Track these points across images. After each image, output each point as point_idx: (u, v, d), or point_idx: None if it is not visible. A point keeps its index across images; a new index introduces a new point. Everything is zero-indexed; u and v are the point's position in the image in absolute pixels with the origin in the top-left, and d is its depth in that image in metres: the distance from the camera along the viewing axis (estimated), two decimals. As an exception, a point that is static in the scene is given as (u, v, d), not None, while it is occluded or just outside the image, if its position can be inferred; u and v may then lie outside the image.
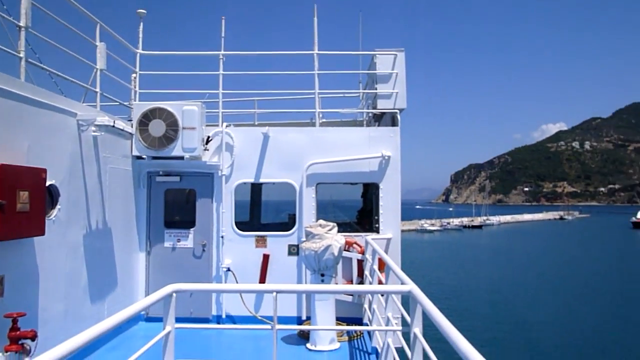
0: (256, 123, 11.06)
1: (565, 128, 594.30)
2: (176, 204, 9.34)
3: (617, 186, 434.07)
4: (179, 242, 9.04)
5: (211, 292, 8.60)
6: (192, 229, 9.07)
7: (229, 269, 8.87)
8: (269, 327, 4.60)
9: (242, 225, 9.17)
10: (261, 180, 9.13)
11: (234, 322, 8.83)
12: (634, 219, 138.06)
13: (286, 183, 9.10)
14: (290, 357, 6.83)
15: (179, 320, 4.36)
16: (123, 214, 8.33)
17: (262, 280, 8.87)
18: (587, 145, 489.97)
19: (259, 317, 8.67)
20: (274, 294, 4.43)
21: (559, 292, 44.66)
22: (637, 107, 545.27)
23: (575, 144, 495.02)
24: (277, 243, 9.02)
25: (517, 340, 29.72)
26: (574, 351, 27.93)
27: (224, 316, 8.89)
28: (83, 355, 6.51)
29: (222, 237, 8.94)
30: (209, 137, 8.88)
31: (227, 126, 9.11)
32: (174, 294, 4.21)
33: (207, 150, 8.87)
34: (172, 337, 4.17)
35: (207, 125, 8.91)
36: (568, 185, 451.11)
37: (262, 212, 10.06)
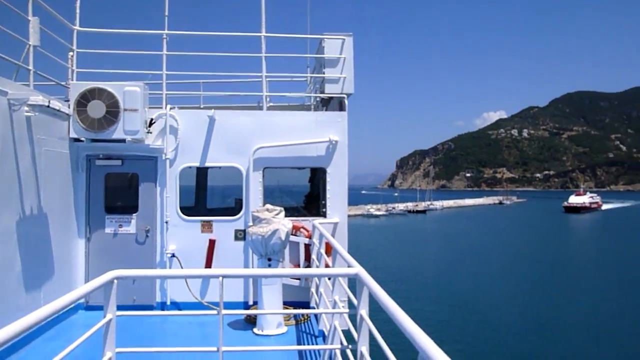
0: (202, 106, 10.80)
1: (505, 116, 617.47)
2: (118, 188, 9.02)
3: (551, 172, 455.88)
4: (120, 227, 8.75)
5: (155, 278, 8.36)
6: (134, 214, 8.79)
7: (173, 255, 8.68)
8: (215, 312, 4.53)
9: (187, 210, 8.98)
10: (207, 165, 8.94)
11: (179, 309, 8.67)
12: (565, 203, 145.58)
13: (233, 167, 8.96)
14: (237, 342, 6.77)
15: (121, 308, 4.22)
16: (60, 199, 7.96)
17: (208, 265, 8.73)
18: (525, 133, 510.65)
19: (205, 303, 8.55)
20: (220, 278, 4.36)
21: (498, 273, 46.68)
22: (571, 98, 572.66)
23: (514, 132, 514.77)
24: (224, 228, 8.90)
25: (460, 320, 30.88)
26: (513, 327, 29.31)
27: (168, 303, 8.71)
28: (19, 346, 6.23)
29: (166, 222, 8.72)
30: (152, 119, 8.58)
31: (171, 108, 8.83)
32: (115, 281, 4.07)
33: (150, 133, 8.58)
34: (113, 326, 4.03)
35: (150, 108, 8.61)
36: (507, 171, 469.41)
37: (208, 196, 9.88)
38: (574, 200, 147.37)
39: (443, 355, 2.23)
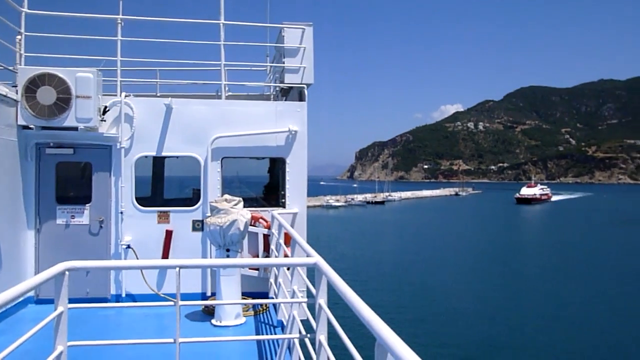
0: (158, 94, 10.54)
1: (461, 109, 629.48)
2: (70, 178, 8.73)
3: (505, 164, 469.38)
4: (73, 218, 8.48)
5: (109, 269, 8.12)
6: (87, 205, 8.53)
7: (129, 246, 8.48)
8: (171, 304, 4.46)
9: (143, 200, 8.78)
10: (164, 154, 8.75)
11: (135, 301, 8.50)
12: (517, 195, 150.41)
13: (190, 157, 8.80)
14: (195, 333, 6.70)
15: (73, 301, 4.09)
16: (7, 188, 7.64)
17: (165, 257, 8.58)
18: (480, 126, 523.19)
19: (162, 295, 8.41)
20: (177, 269, 4.28)
21: (453, 263, 47.91)
22: (525, 92, 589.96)
23: (471, 125, 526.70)
24: (181, 219, 8.75)
25: (417, 308, 31.57)
26: (468, 314, 30.17)
27: (123, 295, 8.52)
28: None
29: (121, 213, 8.50)
30: (106, 107, 8.32)
31: (126, 96, 8.58)
32: (67, 273, 3.94)
33: (104, 121, 8.33)
34: (64, 319, 3.91)
35: (104, 95, 8.35)
36: (463, 163, 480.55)
37: (165, 187, 9.69)
38: (525, 192, 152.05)
39: (400, 341, 2.26)
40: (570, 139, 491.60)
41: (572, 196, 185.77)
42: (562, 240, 64.86)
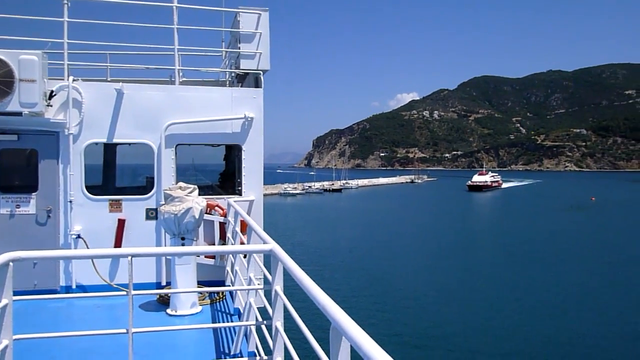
0: (109, 79, 10.20)
1: (417, 98, 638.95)
2: (14, 166, 8.37)
3: (459, 152, 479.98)
4: (18, 208, 8.13)
5: (57, 259, 7.83)
6: (34, 194, 8.20)
7: (79, 236, 8.21)
8: (124, 294, 4.35)
9: (94, 189, 8.51)
10: (115, 141, 8.49)
11: (86, 292, 8.26)
12: (469, 182, 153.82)
13: (143, 144, 8.57)
14: (150, 323, 6.57)
15: (20, 293, 3.93)
16: None
17: (118, 246, 8.36)
18: (435, 115, 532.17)
19: (114, 285, 8.21)
20: (129, 258, 4.16)
21: (408, 249, 48.89)
22: (478, 82, 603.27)
23: (426, 113, 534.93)
24: (134, 207, 8.54)
25: (373, 293, 32.08)
26: (421, 298, 30.89)
27: (74, 286, 8.27)
28: None
29: (70, 201, 8.21)
30: (52, 91, 7.99)
31: (74, 80, 8.25)
32: (11, 264, 3.77)
33: (51, 106, 7.99)
34: (9, 311, 3.75)
35: (50, 79, 8.00)
36: (419, 151, 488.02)
37: (117, 175, 9.43)
38: (477, 179, 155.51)
39: (354, 325, 2.28)
40: (521, 128, 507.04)
41: (523, 183, 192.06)
42: (511, 226, 67.17)
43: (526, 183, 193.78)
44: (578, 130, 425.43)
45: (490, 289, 33.55)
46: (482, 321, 26.72)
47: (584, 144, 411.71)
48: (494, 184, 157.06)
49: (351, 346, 2.29)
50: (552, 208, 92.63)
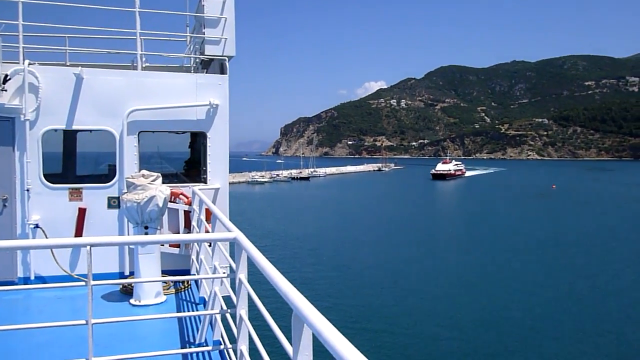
0: (68, 63, 9.85)
1: (385, 86, 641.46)
2: None
3: (426, 141, 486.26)
4: None
5: (14, 249, 7.57)
6: None
7: (37, 226, 7.97)
8: (83, 284, 4.23)
9: (52, 177, 8.25)
10: (74, 127, 8.23)
11: (46, 284, 8.03)
12: (433, 171, 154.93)
13: (105, 131, 8.35)
14: (112, 314, 6.44)
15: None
16: None
17: (79, 236, 8.15)
18: (403, 103, 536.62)
19: (75, 276, 8.01)
20: (88, 248, 4.05)
21: (372, 236, 49.47)
22: (445, 71, 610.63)
23: (393, 102, 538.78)
24: (95, 196, 8.32)
25: (337, 280, 32.37)
26: (384, 284, 31.32)
27: (32, 277, 8.03)
28: None
29: (27, 190, 7.94)
30: (6, 75, 7.67)
31: (30, 64, 7.94)
32: (-38, 254, 3.63)
33: (5, 90, 7.68)
34: (-38, 303, 3.61)
35: (3, 62, 7.68)
36: (386, 139, 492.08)
37: (77, 163, 9.16)
38: (440, 167, 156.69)
39: (315, 311, 2.28)
40: (486, 117, 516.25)
41: (487, 171, 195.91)
42: (474, 214, 68.62)
43: (491, 171, 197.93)
44: (540, 120, 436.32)
45: (451, 276, 34.26)
46: (443, 306, 27.28)
47: (545, 133, 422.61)
48: (457, 173, 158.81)
49: (313, 333, 2.29)
50: (515, 196, 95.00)
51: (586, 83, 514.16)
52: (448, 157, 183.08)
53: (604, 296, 29.73)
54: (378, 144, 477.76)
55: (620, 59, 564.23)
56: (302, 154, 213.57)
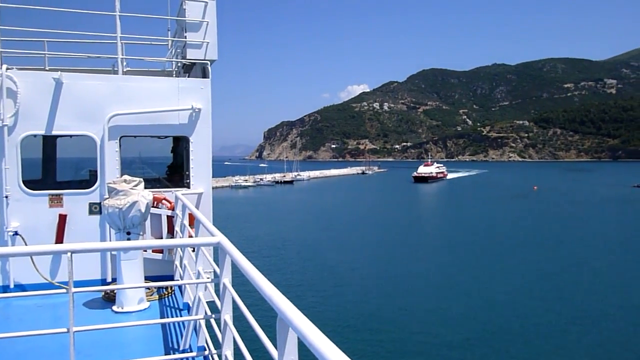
0: (47, 68, 9.72)
1: (367, 90, 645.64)
2: None
3: (409, 144, 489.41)
4: None
5: None
6: None
7: (16, 233, 7.83)
8: (64, 291, 4.16)
9: (32, 183, 8.12)
10: (54, 133, 8.11)
11: (25, 292, 7.89)
12: (414, 173, 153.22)
13: (85, 136, 8.23)
14: (94, 321, 6.34)
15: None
16: None
17: (59, 242, 8.02)
18: (385, 107, 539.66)
19: (56, 283, 7.88)
20: (69, 254, 3.99)
21: (356, 239, 49.49)
22: (426, 74, 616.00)
23: (376, 105, 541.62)
24: (76, 202, 8.20)
25: (322, 284, 32.30)
26: (368, 288, 31.34)
27: (12, 285, 7.88)
28: None
29: (6, 197, 7.80)
30: (-16, 80, 7.54)
31: (8, 69, 7.82)
32: (-62, 263, 3.55)
33: (-17, 96, 7.55)
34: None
35: (-20, 67, 7.55)
36: (369, 142, 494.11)
37: (57, 168, 9.03)
38: (422, 170, 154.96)
39: (301, 315, 2.27)
40: (467, 120, 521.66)
41: (470, 173, 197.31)
42: (455, 216, 69.13)
43: (473, 173, 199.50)
44: (521, 122, 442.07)
45: (434, 277, 34.40)
46: (428, 308, 27.35)
47: (526, 135, 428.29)
48: (439, 175, 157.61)
49: (298, 337, 2.28)
50: (497, 198, 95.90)
51: (565, 85, 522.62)
52: (430, 160, 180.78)
53: (586, 294, 30.13)
54: (361, 147, 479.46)
55: (598, 62, 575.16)
56: (286, 157, 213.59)
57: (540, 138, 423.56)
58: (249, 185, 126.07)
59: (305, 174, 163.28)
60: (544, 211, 73.72)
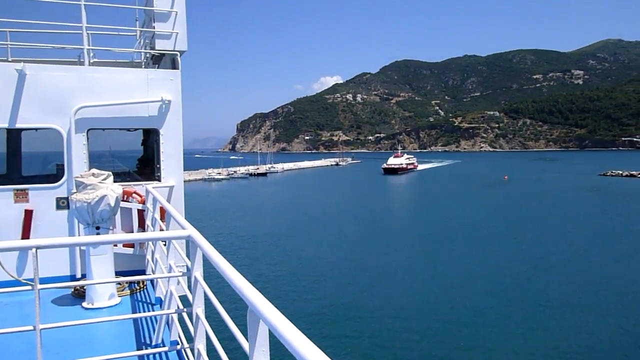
0: (10, 59, 9.42)
1: (341, 81, 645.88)
2: None
3: (382, 135, 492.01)
4: None
5: None
6: None
7: None
8: (29, 288, 4.06)
9: None
10: (18, 126, 7.87)
11: None
12: (384, 165, 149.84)
13: (51, 129, 8.02)
14: (63, 318, 6.22)
15: None
16: None
17: (25, 238, 7.82)
18: (358, 98, 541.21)
19: (23, 280, 7.69)
20: (34, 250, 3.89)
21: (328, 230, 49.69)
22: (399, 65, 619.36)
23: (349, 97, 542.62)
24: (43, 196, 8.01)
25: (293, 275, 32.40)
26: (336, 279, 31.52)
27: None
28: None
29: None
30: (-57, 72, 7.27)
31: None
32: None
33: (-58, 88, 7.28)
34: None
35: (-61, 58, 7.28)
36: (343, 134, 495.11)
37: (22, 163, 8.79)
38: (392, 162, 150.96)
39: (271, 307, 2.26)
40: (440, 111, 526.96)
41: (442, 164, 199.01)
42: (426, 208, 69.66)
43: (446, 164, 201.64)
44: (491, 113, 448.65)
45: (404, 269, 34.66)
46: (400, 300, 27.54)
47: (497, 125, 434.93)
48: (409, 167, 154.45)
49: (269, 329, 2.28)
50: (467, 188, 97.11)
51: (534, 76, 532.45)
52: (399, 151, 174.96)
53: (552, 281, 30.89)
54: (335, 138, 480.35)
55: (565, 53, 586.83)
56: (260, 150, 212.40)
57: (511, 128, 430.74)
58: (223, 178, 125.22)
59: (279, 166, 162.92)
60: (514, 200, 75.16)
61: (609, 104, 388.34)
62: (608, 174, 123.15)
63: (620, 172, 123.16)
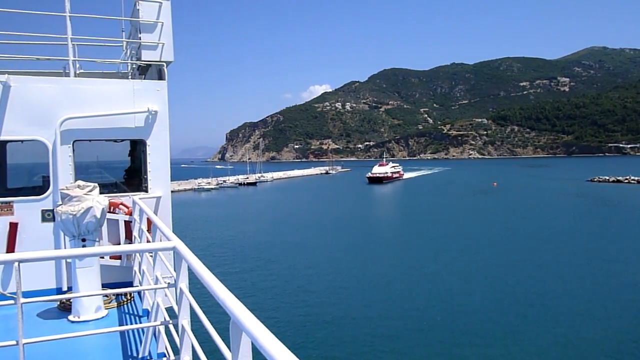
0: (-6, 71, 9.36)
1: (330, 90, 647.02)
2: None
3: (371, 143, 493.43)
4: None
5: None
6: None
7: None
8: (11, 302, 4.02)
9: None
10: (3, 138, 7.81)
11: None
12: (368, 174, 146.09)
13: (36, 141, 7.97)
14: (49, 332, 6.14)
15: None
16: None
17: (10, 252, 7.73)
18: (348, 106, 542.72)
19: (7, 294, 7.58)
20: (16, 264, 3.85)
21: (316, 242, 49.49)
22: (387, 74, 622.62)
23: (338, 105, 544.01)
24: (28, 209, 7.93)
25: (279, 287, 32.15)
26: (324, 291, 31.37)
27: None
28: None
29: None
30: None
31: None
32: None
33: None
34: None
35: None
36: (332, 142, 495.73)
37: (7, 175, 8.71)
38: (376, 170, 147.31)
39: (253, 318, 2.26)
40: (428, 118, 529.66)
41: (432, 172, 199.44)
42: (414, 218, 69.46)
43: (436, 171, 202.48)
44: (480, 120, 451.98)
45: (388, 278, 34.47)
46: (385, 310, 27.33)
47: (485, 132, 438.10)
48: (394, 175, 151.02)
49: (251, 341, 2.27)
50: (456, 196, 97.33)
51: (521, 84, 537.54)
52: (384, 159, 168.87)
53: (541, 286, 31.05)
54: (324, 147, 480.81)
55: (551, 61, 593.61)
56: (249, 159, 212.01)
57: (499, 135, 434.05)
58: (212, 188, 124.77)
59: (268, 175, 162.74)
60: (503, 206, 75.56)
61: (595, 110, 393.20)
62: (596, 179, 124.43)
63: (607, 177, 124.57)
